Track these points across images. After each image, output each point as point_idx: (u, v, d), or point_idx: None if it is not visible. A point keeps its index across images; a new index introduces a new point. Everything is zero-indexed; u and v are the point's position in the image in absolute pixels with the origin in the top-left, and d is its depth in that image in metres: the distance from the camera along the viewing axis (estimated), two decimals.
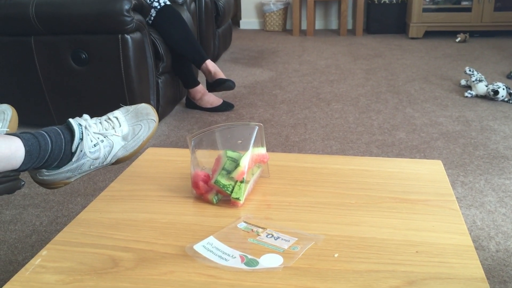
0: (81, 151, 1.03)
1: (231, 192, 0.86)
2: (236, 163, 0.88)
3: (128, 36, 2.17)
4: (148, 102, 2.34)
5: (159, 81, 2.47)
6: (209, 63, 2.59)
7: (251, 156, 0.89)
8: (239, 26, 5.48)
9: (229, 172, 0.87)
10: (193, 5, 3.11)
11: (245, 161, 0.87)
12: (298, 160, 1.10)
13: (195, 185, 0.90)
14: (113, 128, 1.09)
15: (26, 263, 0.75)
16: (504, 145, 2.19)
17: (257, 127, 0.93)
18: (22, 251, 1.52)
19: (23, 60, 2.29)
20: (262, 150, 0.94)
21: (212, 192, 0.89)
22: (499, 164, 2.00)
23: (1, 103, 1.26)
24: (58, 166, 1.04)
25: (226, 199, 0.88)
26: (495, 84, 2.78)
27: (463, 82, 3.07)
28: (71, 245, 0.77)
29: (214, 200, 0.88)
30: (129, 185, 0.98)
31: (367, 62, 3.76)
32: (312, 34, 4.94)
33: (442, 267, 0.69)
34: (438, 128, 2.41)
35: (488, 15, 4.35)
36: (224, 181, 0.87)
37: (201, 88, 2.72)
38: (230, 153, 0.90)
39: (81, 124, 1.05)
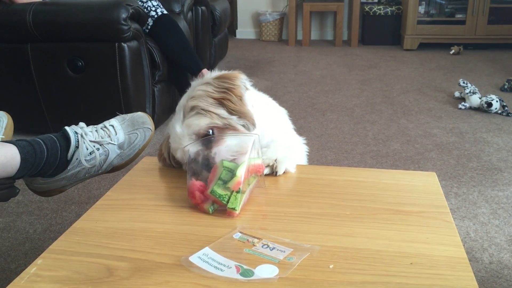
0: (77, 159, 1.03)
1: (227, 202, 0.87)
2: (232, 173, 0.88)
3: (124, 45, 2.18)
4: (144, 110, 2.34)
5: (155, 89, 2.47)
6: (205, 72, 2.60)
7: (247, 166, 0.90)
8: (235, 35, 5.50)
9: (225, 182, 0.87)
10: (190, 14, 3.12)
11: (241, 171, 0.88)
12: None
13: (191, 194, 0.90)
14: (109, 136, 1.09)
15: (19, 271, 0.74)
16: (498, 157, 2.20)
17: (254, 138, 0.94)
18: (15, 259, 1.51)
19: (20, 67, 2.28)
20: (258, 161, 0.94)
21: (208, 202, 0.89)
22: (493, 176, 2.01)
23: None
24: (54, 174, 1.04)
25: (222, 209, 0.88)
26: (489, 96, 2.81)
27: (457, 94, 3.10)
28: (66, 254, 0.77)
29: (210, 210, 0.89)
30: (125, 194, 0.98)
31: (362, 73, 3.79)
32: (308, 45, 4.97)
33: (436, 279, 0.69)
34: (432, 139, 2.43)
35: (482, 28, 4.40)
36: (220, 191, 0.87)
37: None
38: (226, 163, 0.90)
39: (77, 132, 1.05)
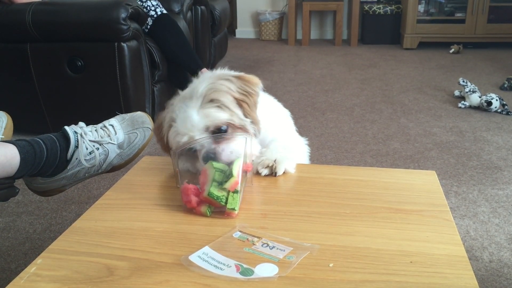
0: (76, 158, 1.03)
1: (226, 203, 0.86)
2: (224, 173, 0.88)
3: (124, 44, 2.18)
4: (143, 110, 2.34)
5: (155, 89, 2.47)
6: (205, 72, 2.60)
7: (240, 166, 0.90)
8: (235, 35, 5.50)
9: (220, 183, 0.87)
10: (189, 14, 3.12)
11: (238, 171, 0.87)
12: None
13: (187, 198, 0.88)
14: (109, 136, 1.09)
15: (19, 271, 0.74)
16: (497, 156, 2.20)
17: (246, 138, 0.94)
18: (15, 259, 1.51)
19: (19, 67, 2.28)
20: (247, 160, 0.94)
21: (204, 205, 0.87)
22: (492, 175, 2.01)
23: None
24: (53, 174, 1.04)
25: (218, 211, 0.88)
26: (489, 95, 2.80)
27: (456, 93, 3.10)
28: (66, 254, 0.77)
29: (208, 213, 0.87)
30: (125, 194, 0.98)
31: (361, 72, 3.79)
32: (308, 44, 4.97)
33: (436, 277, 0.69)
34: (432, 138, 2.43)
35: (482, 27, 4.40)
36: (217, 192, 0.86)
37: None
38: (216, 164, 0.90)
39: (77, 131, 1.05)
